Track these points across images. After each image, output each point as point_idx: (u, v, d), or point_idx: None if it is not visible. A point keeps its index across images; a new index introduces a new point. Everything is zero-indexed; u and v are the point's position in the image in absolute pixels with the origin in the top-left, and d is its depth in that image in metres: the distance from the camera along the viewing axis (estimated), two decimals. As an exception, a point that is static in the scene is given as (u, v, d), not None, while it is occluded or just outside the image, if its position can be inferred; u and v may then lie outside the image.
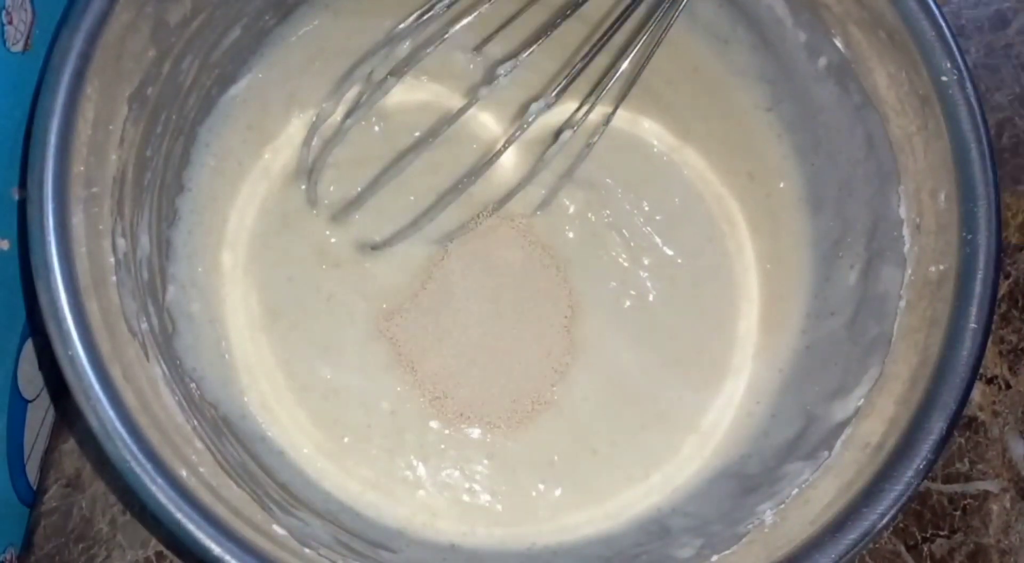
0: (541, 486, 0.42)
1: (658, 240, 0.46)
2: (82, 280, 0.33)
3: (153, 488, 0.32)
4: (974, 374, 0.35)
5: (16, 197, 0.38)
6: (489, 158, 0.41)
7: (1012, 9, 0.51)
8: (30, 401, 0.43)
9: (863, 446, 0.36)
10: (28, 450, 0.43)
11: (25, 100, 0.37)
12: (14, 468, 0.42)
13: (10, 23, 0.36)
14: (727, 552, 0.35)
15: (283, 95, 0.44)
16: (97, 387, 0.32)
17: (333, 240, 0.44)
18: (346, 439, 0.42)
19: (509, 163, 0.45)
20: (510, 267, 0.45)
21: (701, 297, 0.45)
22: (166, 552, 0.43)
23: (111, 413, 0.32)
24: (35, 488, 0.44)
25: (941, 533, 0.46)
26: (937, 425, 0.34)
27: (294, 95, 0.44)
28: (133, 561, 0.43)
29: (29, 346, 0.42)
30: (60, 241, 0.33)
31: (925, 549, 0.45)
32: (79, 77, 0.34)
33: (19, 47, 0.37)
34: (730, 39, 0.44)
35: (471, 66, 0.46)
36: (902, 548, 0.45)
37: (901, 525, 0.46)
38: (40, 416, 0.44)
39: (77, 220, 0.33)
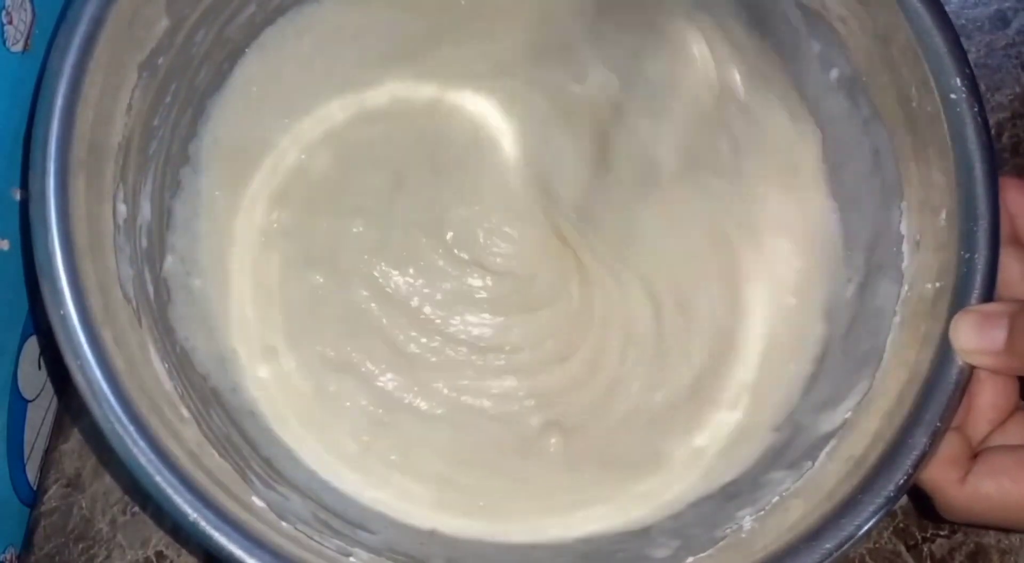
0: (526, 481, 0.42)
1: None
2: (79, 241, 0.33)
3: (135, 450, 0.32)
4: (962, 393, 0.34)
5: (16, 198, 0.38)
6: None
7: (1012, 9, 0.51)
8: (30, 401, 0.43)
9: (846, 458, 0.35)
10: (28, 450, 0.44)
11: (25, 100, 0.37)
12: (14, 468, 0.43)
13: (10, 23, 0.37)
14: (703, 555, 0.35)
15: (294, 75, 0.44)
16: (86, 347, 0.32)
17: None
18: (338, 422, 0.42)
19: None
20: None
21: (711, 305, 0.45)
22: (166, 552, 0.44)
23: (98, 373, 0.32)
24: (35, 488, 0.45)
25: (941, 533, 0.46)
26: (920, 441, 0.34)
27: (305, 74, 0.44)
28: (133, 561, 0.44)
29: (30, 346, 0.42)
30: (60, 200, 0.33)
31: (925, 549, 0.45)
32: (90, 40, 0.34)
33: (19, 47, 0.37)
34: (745, 46, 0.44)
35: None
36: (902, 548, 0.45)
37: (901, 525, 0.46)
38: (40, 416, 0.45)
39: (79, 181, 0.34)
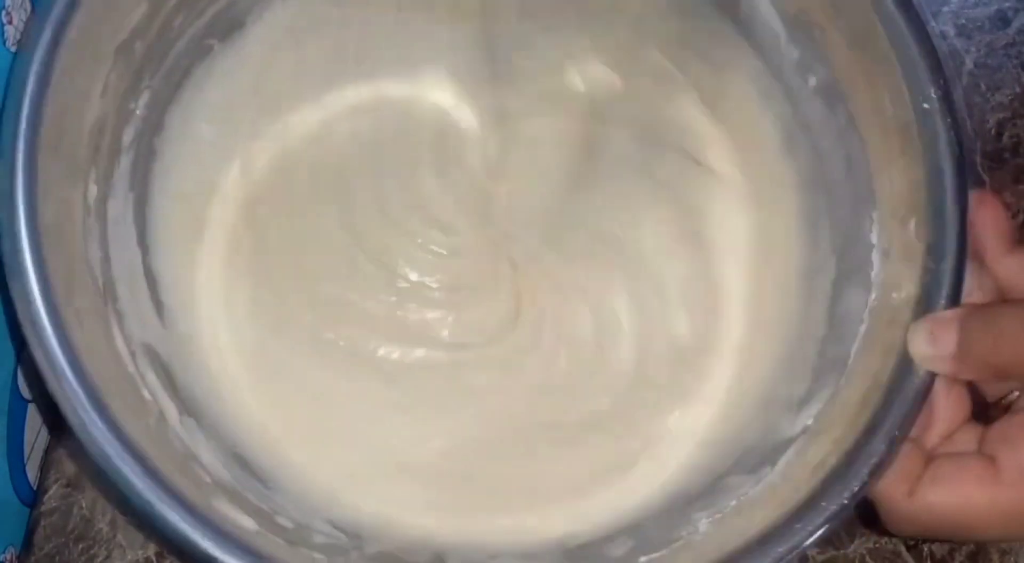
0: (508, 486, 0.42)
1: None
2: (46, 218, 0.33)
3: (104, 444, 0.32)
4: (922, 402, 0.34)
5: None
6: None
7: (1013, 9, 0.51)
8: (30, 401, 0.43)
9: (804, 464, 0.35)
10: (28, 450, 0.44)
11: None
12: (14, 468, 0.42)
13: (10, 23, 0.36)
14: (655, 555, 0.35)
15: (267, 66, 0.44)
16: (47, 321, 0.32)
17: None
18: (325, 435, 0.42)
19: None
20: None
21: (688, 311, 0.45)
22: (166, 552, 0.44)
23: (58, 351, 0.32)
24: (35, 488, 0.45)
25: (941, 533, 0.45)
26: (879, 448, 0.34)
27: (278, 65, 0.44)
28: (133, 561, 0.44)
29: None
30: (28, 180, 0.33)
31: (925, 549, 0.45)
32: (64, 21, 0.34)
33: (19, 47, 0.37)
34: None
35: None
36: (902, 548, 0.45)
37: (902, 525, 0.45)
38: (40, 416, 0.45)
39: (48, 160, 0.34)
